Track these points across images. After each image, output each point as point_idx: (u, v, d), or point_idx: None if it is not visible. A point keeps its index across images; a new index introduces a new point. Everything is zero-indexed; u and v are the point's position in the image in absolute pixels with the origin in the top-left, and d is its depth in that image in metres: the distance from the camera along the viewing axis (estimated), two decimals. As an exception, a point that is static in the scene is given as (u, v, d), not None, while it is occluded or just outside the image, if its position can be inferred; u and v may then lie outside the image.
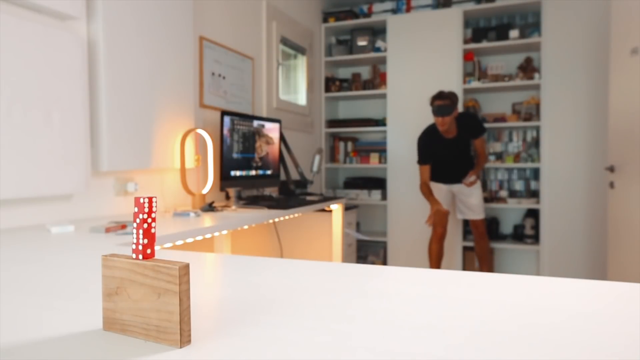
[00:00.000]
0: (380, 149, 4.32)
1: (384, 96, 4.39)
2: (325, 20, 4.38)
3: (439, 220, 3.45)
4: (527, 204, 3.80)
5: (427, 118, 3.97)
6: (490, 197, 4.03)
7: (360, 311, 0.65)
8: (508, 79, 3.85)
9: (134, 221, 0.53)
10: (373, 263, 4.32)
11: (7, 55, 1.53)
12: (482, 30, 3.91)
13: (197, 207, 2.35)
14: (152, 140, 2.16)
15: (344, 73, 4.73)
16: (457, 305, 0.68)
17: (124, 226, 1.54)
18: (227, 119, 2.50)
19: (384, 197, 4.24)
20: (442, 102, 3.18)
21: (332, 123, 4.45)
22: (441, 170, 3.50)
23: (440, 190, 3.56)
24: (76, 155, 1.78)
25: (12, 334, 0.58)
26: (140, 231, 0.54)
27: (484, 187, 4.08)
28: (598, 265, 3.66)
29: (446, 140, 3.37)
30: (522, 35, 3.81)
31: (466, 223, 4.02)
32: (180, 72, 2.35)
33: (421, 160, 3.42)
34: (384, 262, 4.29)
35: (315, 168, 3.07)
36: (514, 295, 0.73)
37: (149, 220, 0.54)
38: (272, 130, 2.96)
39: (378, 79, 4.35)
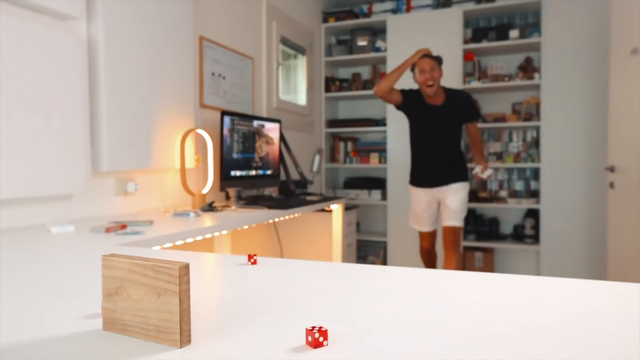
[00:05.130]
0: (380, 149, 4.32)
1: (384, 96, 4.39)
2: (325, 20, 4.38)
3: (424, 236, 3.04)
4: (527, 204, 3.80)
5: (427, 118, 3.97)
6: (490, 197, 4.03)
7: (360, 311, 0.65)
8: (508, 79, 3.85)
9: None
10: (373, 263, 4.32)
11: (7, 55, 1.53)
12: (482, 30, 3.91)
13: (197, 207, 2.35)
14: (152, 140, 2.16)
15: (344, 73, 4.73)
16: (457, 305, 0.68)
17: (124, 226, 1.54)
18: (227, 119, 2.50)
19: (384, 197, 4.24)
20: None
21: (332, 123, 4.45)
22: (421, 161, 2.92)
23: (419, 200, 2.95)
24: (76, 155, 1.78)
25: (12, 334, 0.58)
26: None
27: (484, 187, 4.08)
28: (598, 265, 3.66)
29: (430, 108, 2.81)
30: (522, 35, 3.81)
31: (467, 221, 4.01)
32: (180, 72, 2.35)
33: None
34: (384, 262, 4.29)
35: (315, 168, 3.07)
36: (514, 295, 0.73)
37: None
38: (272, 130, 2.96)
39: (378, 79, 4.35)
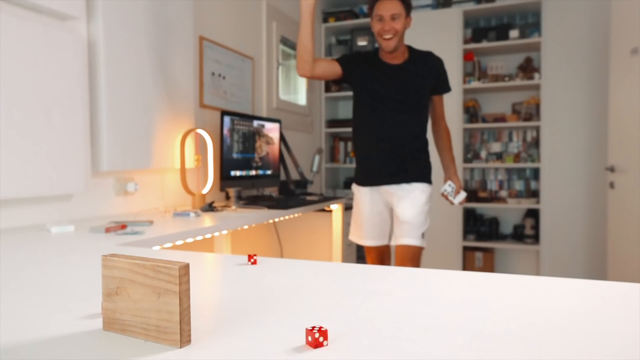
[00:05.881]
0: (380, 149, 4.31)
1: (384, 96, 4.38)
2: (325, 20, 4.38)
3: (369, 254, 2.22)
4: (527, 204, 3.80)
5: (427, 118, 3.97)
6: (490, 197, 4.02)
7: (360, 311, 0.65)
8: (508, 79, 3.85)
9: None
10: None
11: (7, 55, 1.53)
12: (482, 30, 3.91)
13: (197, 207, 2.35)
14: (152, 140, 2.16)
15: (344, 73, 4.73)
16: (457, 305, 0.68)
17: (124, 226, 1.54)
18: (227, 119, 2.50)
19: (384, 197, 4.24)
20: None
21: (332, 123, 4.45)
22: (366, 145, 2.14)
23: (362, 201, 2.18)
24: (76, 155, 1.78)
25: (12, 334, 0.58)
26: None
27: (484, 186, 4.07)
28: (598, 265, 3.66)
29: (385, 67, 2.09)
30: (522, 35, 3.81)
31: (467, 221, 4.00)
32: (180, 72, 2.35)
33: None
34: (384, 262, 4.28)
35: (315, 168, 3.07)
36: (513, 295, 0.73)
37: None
38: (272, 130, 2.96)
39: (378, 79, 4.35)
